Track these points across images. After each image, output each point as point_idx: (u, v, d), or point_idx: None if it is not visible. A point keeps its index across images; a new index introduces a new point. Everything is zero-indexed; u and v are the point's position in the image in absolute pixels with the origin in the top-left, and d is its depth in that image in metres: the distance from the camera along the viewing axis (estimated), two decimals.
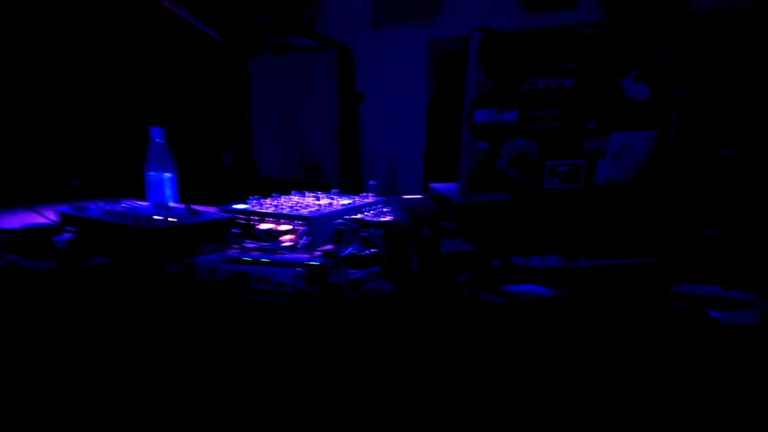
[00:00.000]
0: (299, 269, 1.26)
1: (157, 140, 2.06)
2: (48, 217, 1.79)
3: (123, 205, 1.76)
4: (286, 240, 1.60)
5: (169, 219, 1.53)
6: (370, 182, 1.90)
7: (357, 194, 1.92)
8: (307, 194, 1.91)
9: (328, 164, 3.76)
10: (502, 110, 1.16)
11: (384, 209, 1.75)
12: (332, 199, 1.85)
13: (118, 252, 1.51)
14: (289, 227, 1.62)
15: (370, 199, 1.84)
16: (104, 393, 1.10)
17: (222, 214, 1.66)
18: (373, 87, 4.37)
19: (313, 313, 1.18)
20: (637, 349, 0.94)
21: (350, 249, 1.46)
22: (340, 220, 1.60)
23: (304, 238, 1.57)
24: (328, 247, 1.52)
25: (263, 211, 1.68)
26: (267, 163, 4.10)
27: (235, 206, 1.76)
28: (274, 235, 1.62)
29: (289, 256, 1.40)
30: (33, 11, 2.75)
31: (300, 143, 3.86)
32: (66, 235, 1.65)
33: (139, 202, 1.85)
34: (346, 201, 1.82)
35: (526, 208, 1.22)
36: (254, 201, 1.81)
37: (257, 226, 1.66)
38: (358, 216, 1.67)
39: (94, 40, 3.11)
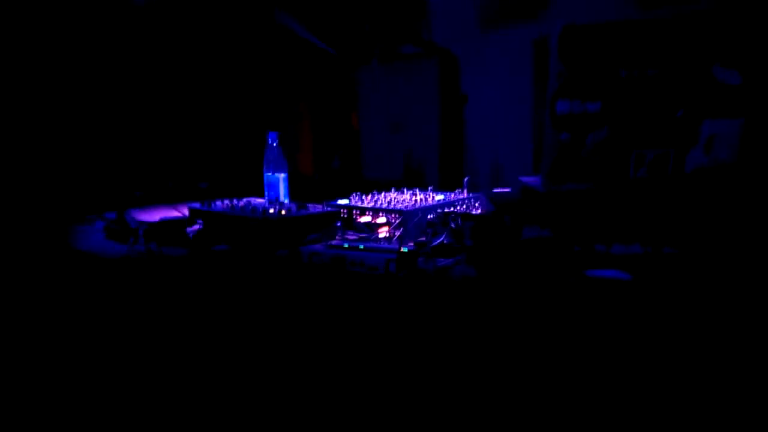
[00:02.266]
0: (391, 254, 1.37)
1: (273, 143, 2.28)
2: (183, 212, 2.06)
3: (243, 201, 1.98)
4: (383, 231, 1.72)
5: (282, 212, 1.72)
6: (465, 179, 1.97)
7: (452, 191, 2.00)
8: (404, 191, 2.02)
9: (430, 166, 3.87)
10: (585, 100, 1.19)
11: (475, 203, 1.81)
12: (427, 195, 1.95)
13: (238, 240, 1.72)
14: (385, 220, 1.74)
15: (463, 195, 1.91)
16: (231, 353, 1.28)
17: (326, 208, 1.82)
18: (479, 88, 4.41)
19: (401, 293, 1.28)
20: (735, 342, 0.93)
21: (440, 239, 1.54)
22: (431, 214, 1.69)
23: (398, 229, 1.68)
24: (421, 238, 1.62)
25: (363, 205, 1.82)
26: (373, 166, 4.29)
27: (338, 201, 1.92)
28: (372, 226, 1.75)
29: (383, 244, 1.52)
30: (167, 36, 3.14)
31: (404, 147, 4.00)
32: (196, 227, 1.90)
33: (257, 199, 2.07)
34: (439, 197, 1.91)
35: (610, 197, 1.23)
36: (355, 196, 1.96)
37: (357, 219, 1.80)
38: (451, 210, 1.74)
39: (221, 57, 3.48)
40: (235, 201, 1.97)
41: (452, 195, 1.93)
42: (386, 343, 1.19)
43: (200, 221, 1.89)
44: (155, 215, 2.16)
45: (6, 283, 1.65)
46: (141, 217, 2.13)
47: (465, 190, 1.96)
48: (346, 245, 1.48)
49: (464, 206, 1.77)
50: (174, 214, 2.07)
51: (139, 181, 2.89)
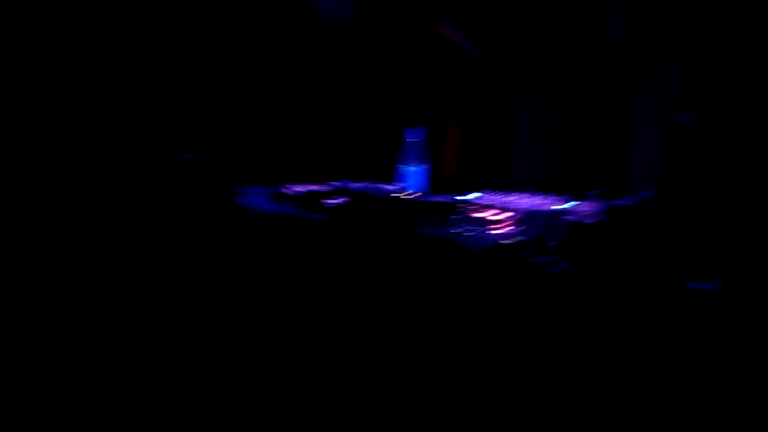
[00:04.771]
0: (492, 244, 1.46)
1: (415, 140, 2.46)
2: (325, 188, 2.33)
3: (373, 185, 2.19)
4: (499, 227, 1.79)
5: (402, 196, 1.88)
6: (590, 192, 1.95)
7: (578, 200, 1.99)
8: (535, 195, 2.07)
9: (575, 180, 3.77)
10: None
11: (592, 213, 1.80)
12: (547, 201, 1.97)
13: (366, 215, 1.92)
14: (502, 217, 1.81)
15: (586, 206, 1.90)
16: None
17: (447, 199, 1.95)
18: (648, 108, 4.18)
19: (495, 278, 1.36)
20: None
21: (550, 240, 1.58)
22: (544, 218, 1.72)
23: (514, 227, 1.74)
24: (533, 237, 1.67)
25: (483, 203, 1.91)
26: (521, 172, 4.29)
27: (461, 197, 2.02)
28: (489, 221, 1.83)
29: (487, 235, 1.60)
30: (346, 45, 3.50)
31: (552, 159, 3.95)
32: (335, 200, 2.14)
33: (387, 186, 2.26)
34: (566, 205, 1.92)
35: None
36: (484, 194, 2.05)
37: (475, 213, 1.89)
38: (567, 217, 1.76)
39: (387, 61, 3.77)
40: (369, 184, 2.18)
41: (576, 205, 1.93)
42: (477, 317, 1.28)
43: (341, 197, 2.13)
44: (305, 188, 2.47)
45: (183, 222, 2.04)
46: (294, 188, 2.45)
47: (589, 202, 1.94)
48: (454, 231, 1.60)
49: (580, 215, 1.77)
50: (319, 188, 2.35)
51: (300, 161, 3.26)
